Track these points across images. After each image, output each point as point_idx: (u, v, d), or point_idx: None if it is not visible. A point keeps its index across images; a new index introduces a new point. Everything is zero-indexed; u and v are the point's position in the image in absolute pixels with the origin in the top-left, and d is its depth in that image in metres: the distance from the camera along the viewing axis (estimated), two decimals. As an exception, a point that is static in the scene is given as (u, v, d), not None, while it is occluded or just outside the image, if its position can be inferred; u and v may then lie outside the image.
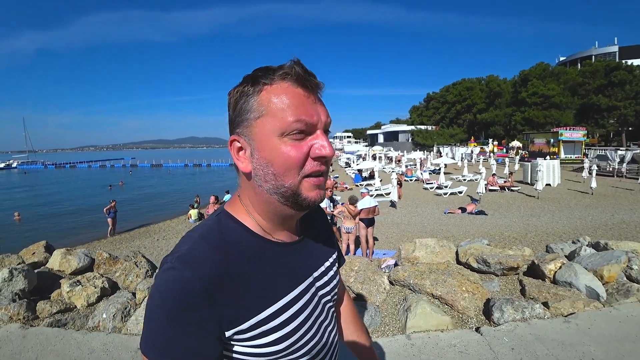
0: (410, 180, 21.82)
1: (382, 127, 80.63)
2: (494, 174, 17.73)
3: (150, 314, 0.57)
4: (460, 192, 16.21)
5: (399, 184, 15.55)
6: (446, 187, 17.14)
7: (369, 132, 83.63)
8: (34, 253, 4.72)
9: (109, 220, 13.45)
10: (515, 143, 38.80)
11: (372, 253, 7.37)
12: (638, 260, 3.72)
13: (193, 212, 14.99)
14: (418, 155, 32.55)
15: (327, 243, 0.81)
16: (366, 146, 65.99)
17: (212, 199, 9.34)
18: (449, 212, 12.20)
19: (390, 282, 3.75)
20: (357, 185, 20.34)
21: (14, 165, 70.86)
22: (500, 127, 47.15)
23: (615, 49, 57.16)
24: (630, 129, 39.83)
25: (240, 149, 0.63)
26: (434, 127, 59.40)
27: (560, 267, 3.64)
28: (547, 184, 18.45)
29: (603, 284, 3.48)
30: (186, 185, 33.58)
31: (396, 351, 2.58)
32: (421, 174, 21.13)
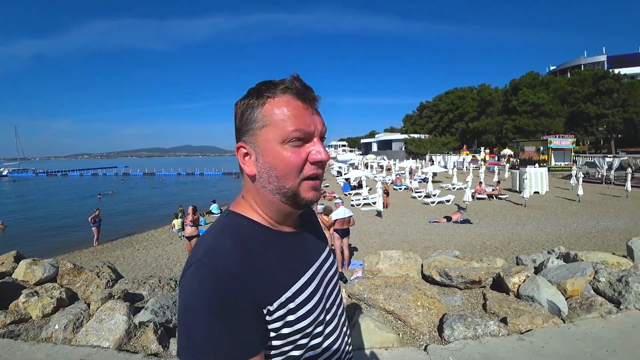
0: (400, 189, 21.71)
1: (376, 135, 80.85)
2: (480, 182, 17.66)
3: (191, 315, 0.60)
4: (447, 201, 16.11)
5: (386, 192, 15.41)
6: (434, 195, 17.03)
7: (362, 140, 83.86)
8: (2, 263, 4.63)
9: (94, 229, 13.30)
10: (507, 151, 39.01)
11: (349, 264, 7.19)
12: (605, 272, 3.58)
13: (177, 222, 14.77)
14: (409, 163, 32.53)
15: (320, 235, 0.89)
16: (360, 155, 66.08)
17: (190, 209, 8.95)
18: (434, 222, 12.06)
19: (348, 296, 3.58)
20: (345, 195, 20.18)
21: (5, 173, 69.96)
22: (492, 135, 47.43)
23: (603, 58, 58.12)
24: (619, 136, 40.25)
25: (246, 154, 0.71)
26: (427, 135, 59.64)
27: (524, 281, 3.49)
28: (535, 192, 18.44)
29: (567, 298, 3.34)
30: (176, 194, 33.23)
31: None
32: (410, 182, 21.01)
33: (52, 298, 3.46)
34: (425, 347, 2.68)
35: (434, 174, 25.29)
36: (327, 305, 0.77)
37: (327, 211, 6.72)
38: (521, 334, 2.76)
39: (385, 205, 15.03)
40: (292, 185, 0.68)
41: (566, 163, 28.50)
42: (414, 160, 39.80)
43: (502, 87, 51.05)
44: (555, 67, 65.50)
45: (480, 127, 48.26)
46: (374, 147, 73.51)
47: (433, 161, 41.06)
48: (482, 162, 35.28)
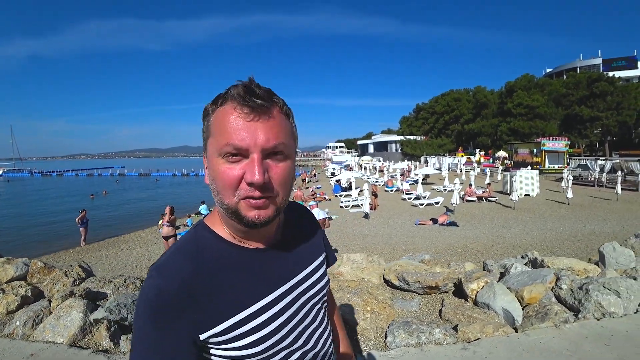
0: (391, 190, 21.60)
1: (373, 137, 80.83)
2: (470, 185, 17.57)
3: (134, 319, 0.62)
4: (437, 203, 16.00)
5: (374, 194, 15.30)
6: (424, 197, 16.92)
7: (359, 142, 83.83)
8: (-23, 261, 4.75)
9: (81, 229, 13.35)
10: (502, 153, 38.95)
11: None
12: (568, 280, 3.46)
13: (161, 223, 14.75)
14: (402, 165, 32.46)
15: (312, 245, 0.82)
16: (356, 156, 66.00)
17: (167, 209, 8.94)
18: (419, 224, 11.94)
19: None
20: (336, 196, 20.06)
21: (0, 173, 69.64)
22: (487, 137, 47.41)
23: (599, 61, 58.32)
24: (614, 138, 40.27)
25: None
26: (423, 137, 59.61)
27: (483, 287, 3.37)
28: (526, 194, 18.37)
29: (525, 306, 3.22)
30: (169, 195, 33.10)
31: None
32: (401, 184, 20.90)
33: (16, 295, 3.53)
34: (369, 354, 2.56)
35: (426, 176, 25.23)
36: (300, 329, 0.72)
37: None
38: (468, 342, 2.63)
39: (373, 207, 14.91)
40: (229, 203, 0.63)
41: (559, 165, 28.49)
42: (409, 162, 39.72)
43: (498, 90, 51.11)
44: (551, 70, 65.65)
45: (475, 129, 48.24)
46: (370, 149, 73.47)
47: (428, 163, 41.02)
48: (476, 164, 35.24)
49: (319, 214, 6.84)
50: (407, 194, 18.49)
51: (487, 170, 24.78)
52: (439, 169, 31.56)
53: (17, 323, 3.13)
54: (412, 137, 59.15)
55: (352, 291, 3.21)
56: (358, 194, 17.87)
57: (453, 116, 55.46)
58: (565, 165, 27.98)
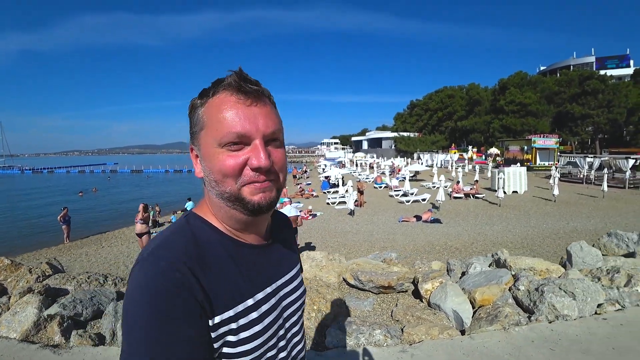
0: (380, 187, 21.51)
1: (367, 133, 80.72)
2: (458, 182, 17.51)
3: (131, 312, 0.55)
4: (423, 200, 15.93)
5: (360, 191, 15.19)
6: (412, 194, 16.84)
7: (353, 138, 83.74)
8: (-51, 259, 4.77)
9: (64, 227, 13.28)
10: (494, 150, 39.00)
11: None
12: (526, 281, 3.36)
13: None
14: (394, 161, 32.38)
15: (291, 253, 0.82)
16: (350, 152, 65.88)
17: (140, 207, 8.91)
18: (403, 221, 11.85)
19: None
20: (324, 193, 19.94)
21: (-12, 170, 68.73)
22: (480, 134, 47.47)
23: (592, 59, 58.60)
24: (606, 136, 40.45)
25: (197, 156, 0.67)
26: (417, 133, 59.59)
27: (437, 288, 3.25)
28: (514, 191, 18.36)
29: (478, 308, 3.11)
30: (159, 191, 32.85)
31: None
32: (390, 180, 20.82)
33: (-24, 292, 3.58)
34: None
35: (416, 173, 25.16)
36: (282, 331, 0.71)
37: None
38: (410, 345, 2.52)
39: (360, 204, 14.81)
40: (231, 190, 0.62)
41: (550, 163, 28.55)
42: (402, 159, 39.64)
43: (492, 87, 51.13)
44: (545, 68, 65.85)
45: (468, 126, 48.26)
46: (365, 145, 73.40)
47: (421, 159, 40.99)
48: (468, 161, 35.26)
49: (290, 211, 6.71)
50: (395, 190, 18.40)
51: (477, 167, 24.76)
52: (431, 166, 31.48)
53: (-26, 319, 3.10)
54: (405, 134, 59.11)
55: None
56: (345, 191, 17.76)
57: (446, 113, 55.45)
58: (556, 162, 28.04)
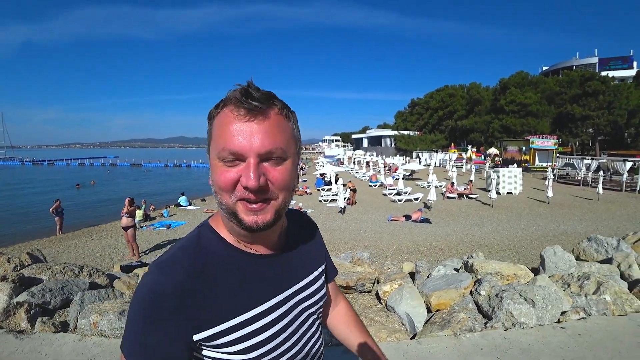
0: (375, 185, 21.41)
1: (367, 131, 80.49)
2: (452, 183, 17.40)
3: (129, 314, 0.63)
4: (416, 199, 15.84)
5: (353, 190, 15.10)
6: (405, 193, 16.75)
7: (354, 136, 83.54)
8: None
9: (56, 219, 13.39)
10: (493, 150, 38.82)
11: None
12: (488, 285, 3.27)
13: (138, 213, 14.65)
14: (390, 160, 32.26)
15: (313, 255, 0.83)
16: (350, 150, 65.67)
17: (126, 201, 9.00)
18: (392, 220, 11.77)
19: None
20: (318, 190, 19.86)
21: (-11, 161, 68.90)
22: (480, 133, 47.24)
23: (595, 60, 58.13)
24: (607, 138, 40.16)
25: None
26: (417, 132, 59.36)
27: (395, 290, 3.17)
28: (508, 192, 18.24)
29: (435, 312, 3.02)
30: (155, 185, 32.87)
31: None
32: (385, 179, 20.72)
33: (-45, 280, 3.61)
34: None
35: (412, 172, 25.05)
36: (297, 336, 0.72)
37: None
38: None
39: (351, 202, 14.73)
40: (227, 203, 0.63)
41: (548, 164, 28.38)
42: (401, 157, 39.50)
43: (493, 87, 50.80)
44: (547, 68, 65.37)
45: (467, 125, 48.01)
46: (365, 143, 73.20)
47: (420, 158, 40.84)
48: (467, 161, 35.10)
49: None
50: (389, 189, 18.30)
51: (473, 167, 24.64)
52: (427, 165, 31.35)
53: (-51, 306, 3.20)
54: (405, 132, 58.88)
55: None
56: (338, 188, 17.68)
57: (447, 112, 55.17)
58: (554, 164, 27.87)
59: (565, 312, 3.26)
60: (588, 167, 22.12)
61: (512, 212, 13.55)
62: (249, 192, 0.62)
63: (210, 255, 0.67)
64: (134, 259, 8.69)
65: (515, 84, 41.94)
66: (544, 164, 28.71)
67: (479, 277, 3.65)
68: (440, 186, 18.97)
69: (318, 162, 41.15)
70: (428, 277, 3.80)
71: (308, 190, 19.63)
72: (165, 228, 13.09)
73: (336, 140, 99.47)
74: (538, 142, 28.18)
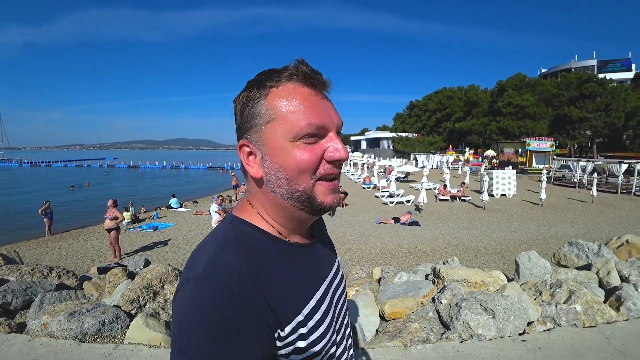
0: (368, 187, 21.23)
1: (366, 133, 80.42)
2: (444, 185, 17.23)
3: (186, 339, 0.51)
4: (407, 201, 15.66)
5: (343, 193, 14.92)
6: (398, 195, 16.58)
7: (352, 138, 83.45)
8: None
9: (45, 220, 13.34)
10: (490, 152, 38.65)
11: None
12: (450, 293, 3.09)
13: (126, 215, 14.53)
14: (385, 162, 32.11)
15: (331, 247, 0.82)
16: (349, 152, 65.52)
17: (109, 202, 8.97)
18: (380, 222, 11.58)
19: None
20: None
21: (-14, 163, 68.81)
22: (477, 136, 47.07)
23: (593, 62, 58.14)
24: (606, 140, 39.98)
25: (250, 153, 0.63)
26: (416, 134, 59.23)
27: (351, 296, 2.99)
28: (502, 194, 18.06)
29: (390, 321, 2.85)
30: (150, 187, 32.73)
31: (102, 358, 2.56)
32: (379, 181, 20.55)
33: None
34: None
35: (407, 174, 24.88)
36: (337, 326, 0.70)
37: (227, 208, 6.33)
38: None
39: (341, 205, 14.55)
40: (305, 187, 0.59)
41: (545, 166, 28.21)
42: (399, 159, 39.32)
43: (492, 89, 50.64)
44: (546, 70, 65.36)
45: (465, 127, 47.85)
46: (363, 145, 73.13)
47: (417, 160, 40.68)
48: (464, 163, 34.93)
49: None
50: (382, 191, 18.13)
51: (467, 169, 24.48)
52: (423, 167, 31.19)
53: None
54: (404, 134, 58.75)
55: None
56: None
57: (445, 114, 55.02)
58: (550, 166, 27.71)
59: (532, 322, 3.08)
60: (584, 169, 21.94)
61: (503, 215, 13.36)
62: (333, 167, 0.60)
63: (255, 249, 0.61)
64: (114, 261, 8.58)
65: (513, 86, 41.82)
66: (540, 166, 28.54)
67: (445, 284, 3.48)
68: (434, 188, 18.80)
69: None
70: (394, 283, 3.62)
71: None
72: (152, 230, 12.91)
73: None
74: (534, 144, 28.04)
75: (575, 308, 3.23)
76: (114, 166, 65.87)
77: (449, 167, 25.61)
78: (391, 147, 59.83)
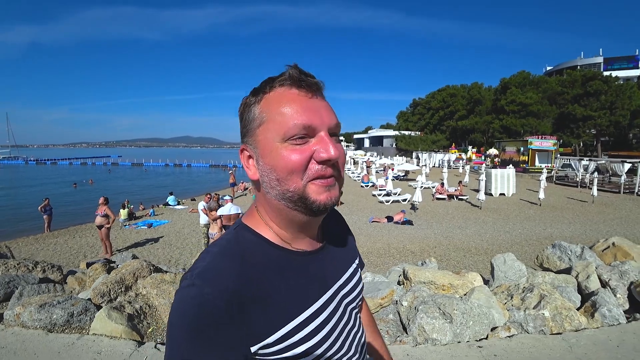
0: (367, 186, 21.12)
1: (369, 131, 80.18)
2: (442, 183, 17.07)
3: (170, 333, 0.57)
4: (404, 200, 15.54)
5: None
6: (395, 194, 16.46)
7: (355, 136, 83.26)
8: None
9: (45, 217, 13.49)
10: (492, 151, 38.31)
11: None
12: (411, 296, 3.01)
13: (123, 212, 14.62)
14: (385, 161, 31.94)
15: (349, 249, 0.81)
16: (352, 150, 65.37)
17: (101, 200, 9.13)
18: (373, 221, 11.49)
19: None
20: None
21: (-7, 160, 69.66)
22: (480, 134, 46.68)
23: (600, 59, 57.22)
24: (611, 139, 39.43)
25: (250, 157, 0.65)
26: (419, 132, 58.90)
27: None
28: (501, 194, 17.87)
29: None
30: (151, 185, 32.92)
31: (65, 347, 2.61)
32: (377, 180, 20.42)
33: None
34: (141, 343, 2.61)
35: (407, 172, 24.72)
36: (345, 333, 0.69)
37: (212, 206, 6.34)
38: None
39: (337, 204, 14.47)
40: (295, 188, 0.59)
41: (547, 165, 27.87)
42: (402, 157, 39.13)
43: (495, 86, 50.19)
44: (551, 68, 64.54)
45: (468, 125, 47.47)
46: (366, 143, 72.93)
47: (419, 158, 40.44)
48: (467, 161, 34.66)
49: (230, 209, 6.46)
50: (379, 189, 18.02)
51: (468, 167, 24.25)
52: (423, 165, 30.96)
53: None
54: (407, 133, 58.43)
55: (170, 283, 2.87)
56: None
57: (448, 112, 54.62)
58: (553, 165, 27.38)
59: (496, 327, 2.99)
60: (586, 169, 21.64)
61: (499, 215, 13.20)
62: (325, 167, 0.59)
63: (254, 258, 0.61)
64: (105, 257, 8.64)
65: (517, 84, 41.34)
66: (543, 165, 28.21)
67: (412, 285, 3.40)
68: (433, 187, 18.65)
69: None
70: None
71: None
72: (146, 227, 12.96)
73: (340, 141, 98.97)
74: (536, 143, 27.71)
75: (544, 314, 3.13)
76: (118, 164, 66.33)
77: (449, 166, 25.42)
78: (394, 145, 59.59)
